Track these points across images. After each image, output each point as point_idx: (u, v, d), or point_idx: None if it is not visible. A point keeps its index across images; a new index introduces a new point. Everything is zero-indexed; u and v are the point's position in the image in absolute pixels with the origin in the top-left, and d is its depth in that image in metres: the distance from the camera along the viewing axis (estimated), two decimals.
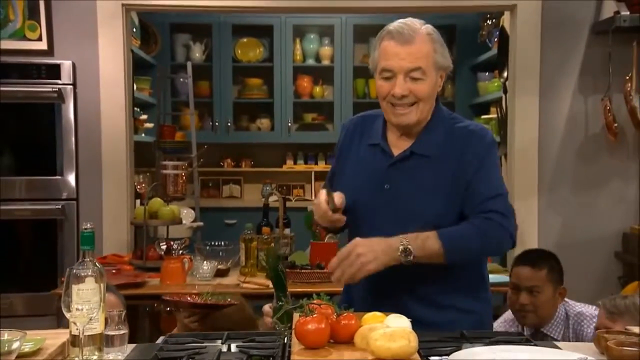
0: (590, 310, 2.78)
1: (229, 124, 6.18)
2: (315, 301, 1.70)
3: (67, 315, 1.56)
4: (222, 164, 6.37)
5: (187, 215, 4.55)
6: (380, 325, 1.61)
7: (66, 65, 3.84)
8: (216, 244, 3.57)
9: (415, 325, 1.95)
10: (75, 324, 1.58)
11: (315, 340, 1.60)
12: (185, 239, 3.38)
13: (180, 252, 3.28)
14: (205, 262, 3.31)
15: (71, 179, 3.88)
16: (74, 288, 1.55)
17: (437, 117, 2.09)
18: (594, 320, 2.67)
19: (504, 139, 4.24)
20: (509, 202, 2.11)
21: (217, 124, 6.18)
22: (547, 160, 3.90)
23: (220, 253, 3.51)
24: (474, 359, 1.51)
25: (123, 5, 3.88)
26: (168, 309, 3.13)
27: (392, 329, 1.53)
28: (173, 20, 6.10)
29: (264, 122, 6.28)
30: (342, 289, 2.20)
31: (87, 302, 1.56)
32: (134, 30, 5.46)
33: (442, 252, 1.94)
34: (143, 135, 5.34)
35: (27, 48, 3.83)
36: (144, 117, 5.44)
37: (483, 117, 5.63)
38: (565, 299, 2.85)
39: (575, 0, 3.85)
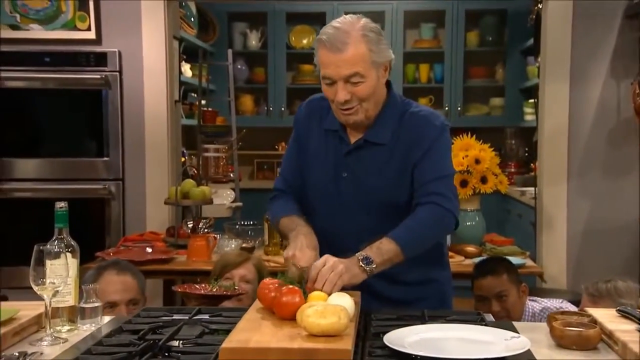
0: (555, 304, 2.81)
1: (283, 109, 6.37)
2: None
3: (35, 288, 1.72)
4: (276, 147, 6.56)
5: (228, 196, 4.76)
6: (321, 302, 1.70)
7: (113, 54, 4.08)
8: (245, 223, 3.75)
9: (384, 304, 2.08)
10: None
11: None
12: (210, 219, 3.57)
13: (205, 230, 3.46)
14: (231, 240, 3.48)
15: (117, 160, 4.14)
16: (48, 263, 1.72)
17: (390, 104, 2.14)
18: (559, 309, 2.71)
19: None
20: (453, 183, 2.15)
21: (271, 108, 6.38)
22: (577, 146, 3.89)
23: (249, 232, 3.69)
24: (401, 338, 1.59)
25: None
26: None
27: (324, 305, 1.63)
28: (230, 9, 6.31)
29: None
30: None
31: (59, 277, 1.73)
32: (192, 19, 5.71)
33: (400, 251, 1.98)
34: (197, 119, 5.56)
35: (77, 38, 4.09)
36: (203, 102, 5.66)
37: (531, 101, 5.60)
38: (534, 298, 2.90)
39: None
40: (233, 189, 4.86)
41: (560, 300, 2.83)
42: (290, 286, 1.78)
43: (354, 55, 1.98)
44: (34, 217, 4.12)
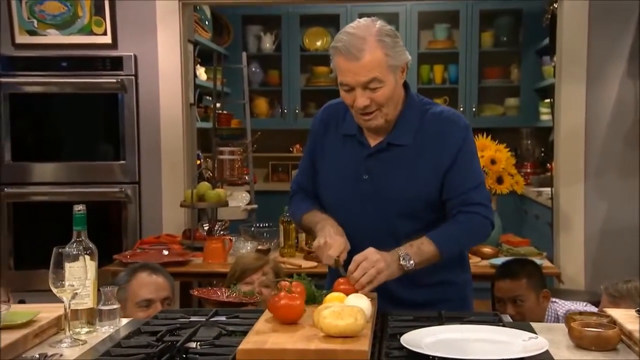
0: (579, 307, 2.79)
1: (297, 111, 6.38)
2: (283, 280, 1.85)
3: (55, 291, 1.73)
4: (291, 149, 6.58)
5: (243, 198, 4.77)
6: (338, 304, 1.70)
7: (128, 58, 4.11)
8: (260, 225, 3.76)
9: (402, 306, 2.07)
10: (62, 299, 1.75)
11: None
12: (226, 221, 3.58)
13: (221, 232, 3.48)
14: (246, 242, 3.50)
15: (133, 164, 4.16)
16: (67, 265, 1.73)
17: (410, 105, 2.13)
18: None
19: None
20: (486, 188, 2.19)
21: (285, 111, 6.39)
22: (593, 146, 3.87)
23: (265, 234, 3.70)
24: (418, 339, 1.59)
25: (180, 0, 4.12)
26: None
27: (341, 306, 1.63)
28: (244, 12, 6.33)
29: None
30: None
31: (78, 279, 1.74)
32: (206, 22, 5.74)
33: (438, 253, 2.02)
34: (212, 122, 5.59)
35: (94, 42, 4.13)
36: (217, 105, 5.68)
37: (546, 101, 5.57)
38: (555, 300, 2.87)
39: None
40: (248, 192, 4.88)
41: (584, 304, 2.80)
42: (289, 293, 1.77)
43: (370, 61, 1.97)
44: (51, 220, 4.16)
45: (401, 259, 1.97)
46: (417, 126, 2.11)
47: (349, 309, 1.59)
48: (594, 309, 2.75)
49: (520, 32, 6.16)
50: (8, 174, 4.17)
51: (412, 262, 1.97)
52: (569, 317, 1.81)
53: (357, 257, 1.95)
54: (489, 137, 3.63)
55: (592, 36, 3.84)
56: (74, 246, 1.79)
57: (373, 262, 1.93)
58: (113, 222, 4.16)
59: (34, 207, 4.22)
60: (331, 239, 2.01)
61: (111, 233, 4.17)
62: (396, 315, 1.93)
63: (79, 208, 1.82)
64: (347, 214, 2.13)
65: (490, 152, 3.54)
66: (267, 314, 1.79)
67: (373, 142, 2.14)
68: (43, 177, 4.20)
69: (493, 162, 3.52)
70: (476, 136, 3.58)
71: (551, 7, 5.51)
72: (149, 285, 2.48)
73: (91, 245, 1.84)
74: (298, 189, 2.30)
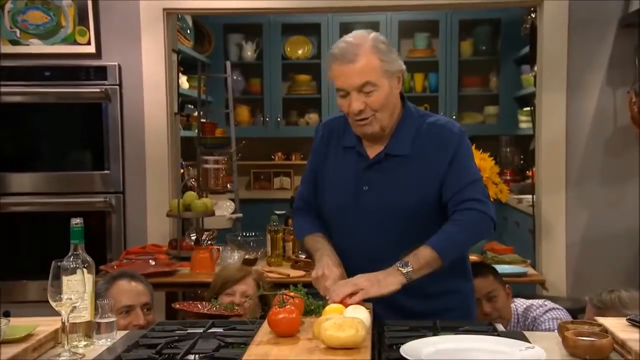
0: (537, 302, 2.84)
1: (279, 119, 6.40)
2: (285, 292, 1.86)
3: (53, 304, 1.74)
4: (272, 157, 6.59)
5: (228, 207, 4.77)
6: (338, 315, 1.72)
7: (112, 67, 4.09)
8: (247, 234, 3.77)
9: (407, 317, 2.08)
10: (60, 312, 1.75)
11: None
12: (214, 231, 3.59)
13: (209, 242, 3.48)
14: (233, 252, 3.50)
15: (118, 173, 4.14)
16: (64, 279, 1.74)
17: (407, 115, 2.18)
18: (542, 307, 2.75)
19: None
20: (484, 186, 2.22)
21: (267, 119, 6.40)
22: (574, 154, 3.93)
23: (251, 243, 3.71)
24: (417, 350, 1.61)
25: (164, 9, 4.11)
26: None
27: (342, 318, 1.65)
28: (226, 21, 6.34)
29: (312, 117, 6.47)
30: None
31: (76, 292, 1.74)
32: (188, 31, 5.73)
33: (437, 256, 2.03)
34: (196, 131, 5.58)
35: (77, 52, 4.11)
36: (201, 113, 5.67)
37: (525, 109, 5.64)
38: (514, 299, 2.92)
39: None
40: (232, 200, 4.88)
41: (543, 300, 2.86)
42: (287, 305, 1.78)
43: (365, 64, 2.05)
44: (34, 231, 4.14)
45: (399, 265, 2.00)
46: (414, 136, 2.16)
47: (349, 321, 1.62)
48: (554, 305, 2.82)
49: (498, 41, 6.25)
50: None
51: (410, 267, 1.99)
52: (562, 326, 1.84)
53: (340, 283, 2.00)
54: (473, 145, 3.66)
55: (572, 46, 3.90)
56: (72, 259, 1.79)
57: (356, 278, 1.98)
58: (97, 232, 4.13)
59: (15, 218, 4.18)
60: (328, 271, 2.07)
61: (95, 243, 4.14)
62: (392, 325, 1.95)
63: (76, 221, 1.82)
64: (348, 225, 2.18)
65: (475, 160, 3.57)
66: (265, 326, 1.80)
67: (372, 153, 2.18)
68: (25, 187, 4.16)
69: None
70: None
71: (529, 17, 5.62)
72: (129, 292, 2.51)
73: (88, 258, 1.84)
74: (302, 204, 2.35)
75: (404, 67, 2.14)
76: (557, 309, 2.79)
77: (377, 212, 2.14)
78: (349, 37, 2.10)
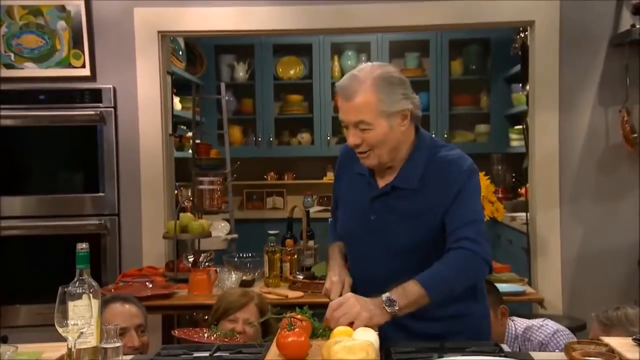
0: (537, 322, 2.83)
1: (271, 139, 6.42)
2: (293, 314, 1.87)
3: (60, 330, 1.73)
4: (265, 177, 6.60)
5: (223, 228, 4.77)
6: (347, 338, 1.73)
7: (107, 90, 4.10)
8: (244, 255, 3.77)
9: (417, 339, 2.08)
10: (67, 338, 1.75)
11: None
12: (211, 252, 3.58)
13: (206, 264, 3.47)
14: (231, 273, 3.50)
15: (113, 196, 4.14)
16: (70, 304, 1.73)
17: (419, 147, 2.18)
18: (542, 328, 2.74)
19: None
20: (483, 227, 2.16)
21: (260, 139, 6.42)
22: (568, 172, 3.96)
23: (248, 264, 3.71)
24: None
25: (159, 32, 4.13)
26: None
27: (352, 342, 1.66)
28: (218, 42, 6.37)
29: (305, 137, 6.50)
30: None
31: (82, 318, 1.74)
32: (180, 53, 5.75)
33: (424, 293, 2.01)
34: (190, 152, 5.60)
35: (72, 75, 4.11)
36: (190, 135, 5.69)
37: (516, 127, 5.69)
38: (513, 318, 2.91)
39: (594, 15, 3.91)
40: (227, 220, 4.88)
41: (542, 319, 2.86)
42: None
43: (360, 103, 2.06)
44: (30, 254, 4.11)
45: (385, 304, 1.98)
46: (422, 170, 2.15)
47: (359, 344, 1.62)
48: (554, 324, 2.80)
49: (488, 60, 6.32)
50: None
51: (396, 306, 1.97)
52: (568, 347, 1.85)
53: (332, 304, 2.00)
54: None
55: (563, 65, 3.95)
56: (77, 285, 1.79)
57: (349, 306, 1.96)
58: (92, 255, 4.06)
59: (11, 242, 4.16)
60: (330, 285, 2.16)
61: (91, 266, 4.11)
62: (398, 347, 1.96)
63: (82, 246, 1.82)
64: (358, 247, 2.24)
65: (480, 200, 3.60)
66: (273, 349, 1.81)
67: (381, 183, 2.20)
68: (20, 210, 4.14)
69: None
70: None
71: (519, 37, 5.68)
72: (122, 314, 2.54)
73: (94, 283, 1.84)
74: (333, 217, 2.46)
75: (409, 106, 2.11)
76: (562, 330, 2.78)
77: (383, 240, 2.16)
78: (356, 71, 2.11)
